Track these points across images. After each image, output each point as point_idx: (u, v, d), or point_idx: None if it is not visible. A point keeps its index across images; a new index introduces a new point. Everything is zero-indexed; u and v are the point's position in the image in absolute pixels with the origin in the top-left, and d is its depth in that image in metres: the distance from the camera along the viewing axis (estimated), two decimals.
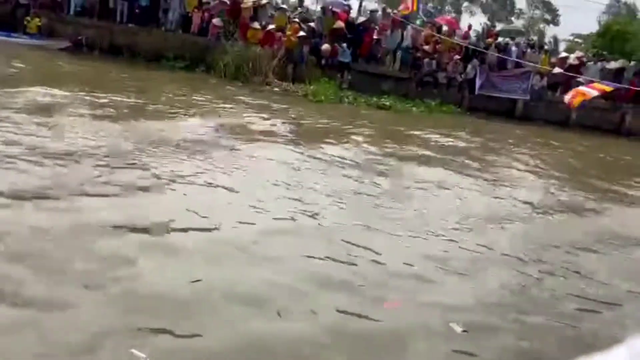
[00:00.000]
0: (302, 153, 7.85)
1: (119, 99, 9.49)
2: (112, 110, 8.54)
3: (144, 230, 4.30)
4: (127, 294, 3.36)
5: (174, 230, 4.40)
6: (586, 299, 4.40)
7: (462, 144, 11.10)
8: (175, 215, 4.65)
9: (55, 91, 9.10)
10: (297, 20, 16.47)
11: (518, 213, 6.59)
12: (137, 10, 15.51)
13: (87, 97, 9.15)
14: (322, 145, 8.52)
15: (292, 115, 11.14)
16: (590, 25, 66.23)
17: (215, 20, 15.57)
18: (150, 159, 6.19)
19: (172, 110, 9.45)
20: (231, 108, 10.77)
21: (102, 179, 5.23)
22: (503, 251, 5.12)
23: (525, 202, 7.12)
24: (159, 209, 4.79)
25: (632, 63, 17.32)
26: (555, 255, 5.25)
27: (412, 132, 11.71)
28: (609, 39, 22.61)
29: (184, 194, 5.34)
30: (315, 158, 7.68)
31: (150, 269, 3.72)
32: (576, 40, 44.42)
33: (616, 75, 16.74)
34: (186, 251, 4.08)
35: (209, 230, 4.53)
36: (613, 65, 17.26)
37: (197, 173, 5.98)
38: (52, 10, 15.37)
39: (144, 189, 5.23)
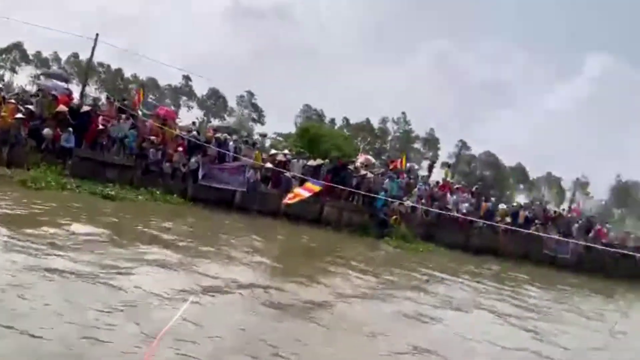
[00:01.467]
0: None
1: None
2: None
3: None
4: None
5: None
6: None
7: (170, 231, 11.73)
8: None
9: None
10: (13, 100, 15.63)
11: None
12: None
13: None
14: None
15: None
16: (288, 125, 75.13)
17: None
18: None
19: None
20: None
21: None
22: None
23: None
24: None
25: (327, 162, 20.54)
26: None
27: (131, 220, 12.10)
28: (307, 140, 26.20)
29: None
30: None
31: None
32: (278, 138, 49.92)
33: (315, 171, 19.61)
34: None
35: None
36: (312, 163, 20.21)
37: None
38: None
39: None
